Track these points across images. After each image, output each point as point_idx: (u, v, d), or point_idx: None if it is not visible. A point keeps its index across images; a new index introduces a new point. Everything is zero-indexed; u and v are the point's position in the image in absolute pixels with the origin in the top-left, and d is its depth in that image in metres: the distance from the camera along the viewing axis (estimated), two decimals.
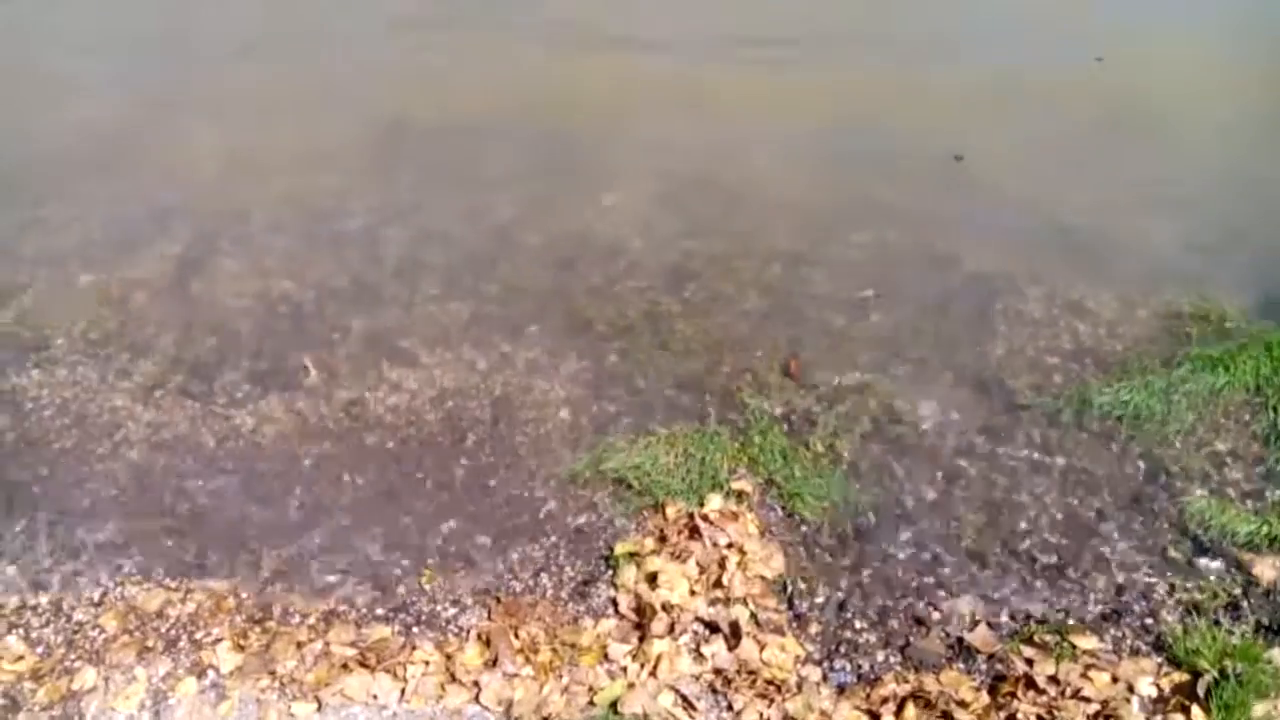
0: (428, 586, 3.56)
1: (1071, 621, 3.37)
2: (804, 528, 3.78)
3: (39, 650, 3.38)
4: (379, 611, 3.48)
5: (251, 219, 5.81)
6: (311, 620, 3.43)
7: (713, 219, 5.76)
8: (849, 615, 3.44)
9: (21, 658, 3.34)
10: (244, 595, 3.54)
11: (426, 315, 5.06)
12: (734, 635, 3.27)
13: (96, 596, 3.58)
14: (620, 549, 3.66)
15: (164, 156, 6.47)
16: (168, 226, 5.76)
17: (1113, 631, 3.36)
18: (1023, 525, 3.79)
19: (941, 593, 3.52)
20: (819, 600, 3.50)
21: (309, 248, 5.56)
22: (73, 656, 3.35)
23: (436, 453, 4.24)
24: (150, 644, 3.36)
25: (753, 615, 3.37)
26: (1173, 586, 3.51)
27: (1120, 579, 3.56)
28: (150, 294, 5.24)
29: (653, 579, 3.49)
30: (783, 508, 3.85)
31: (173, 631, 3.41)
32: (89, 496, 4.03)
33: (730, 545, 3.61)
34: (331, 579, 3.61)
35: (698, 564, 3.53)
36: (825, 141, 6.45)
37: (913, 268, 5.34)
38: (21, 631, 3.45)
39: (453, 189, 6.10)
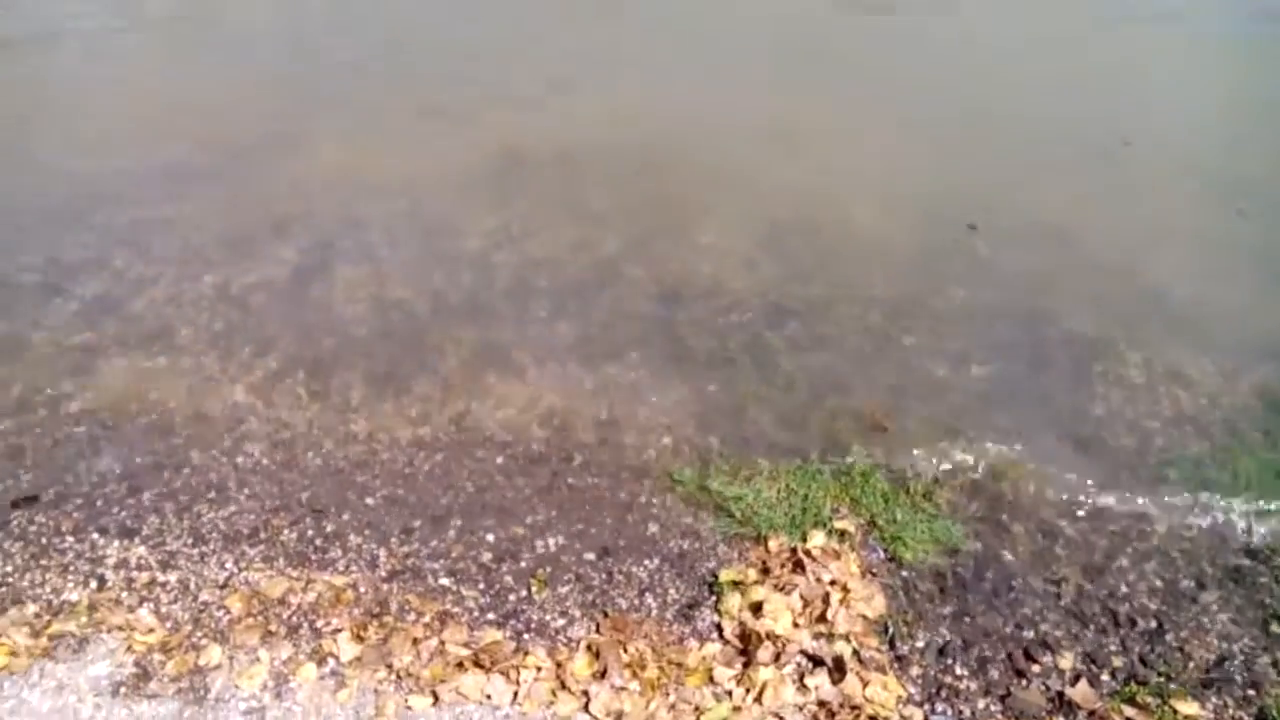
0: (537, 596, 3.68)
1: (1174, 686, 3.39)
2: (904, 572, 3.84)
3: (168, 625, 3.54)
4: (490, 616, 3.59)
5: (369, 231, 6.03)
6: (427, 618, 3.55)
7: (813, 263, 5.86)
8: (950, 661, 3.49)
9: (152, 630, 3.50)
10: (362, 590, 3.68)
11: (535, 336, 5.21)
12: (838, 669, 3.33)
13: (221, 579, 3.74)
14: (725, 576, 3.75)
15: (287, 166, 6.73)
16: (288, 233, 6.00)
17: (1214, 700, 3.36)
18: (1123, 588, 3.82)
19: (1042, 647, 3.55)
20: (919, 644, 3.55)
21: (425, 263, 5.75)
22: (199, 634, 3.50)
23: (543, 468, 4.37)
24: (273, 628, 3.51)
25: (855, 652, 3.43)
26: (1275, 660, 3.52)
27: (1221, 648, 3.57)
28: (269, 295, 5.46)
29: (757, 608, 3.57)
30: (884, 550, 3.91)
31: (294, 618, 3.55)
32: (213, 484, 4.22)
33: (833, 582, 3.68)
34: (445, 581, 3.74)
35: (802, 597, 3.60)
36: (925, 194, 6.53)
37: (1011, 324, 5.39)
38: (152, 605, 3.62)
39: (561, 219, 6.28)
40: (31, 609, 3.61)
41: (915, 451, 4.46)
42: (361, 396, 4.76)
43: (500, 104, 7.74)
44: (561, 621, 3.58)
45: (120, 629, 3.51)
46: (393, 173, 6.73)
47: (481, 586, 3.73)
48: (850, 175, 6.69)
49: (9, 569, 3.80)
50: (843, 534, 3.92)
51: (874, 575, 3.80)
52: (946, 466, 4.39)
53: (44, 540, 3.95)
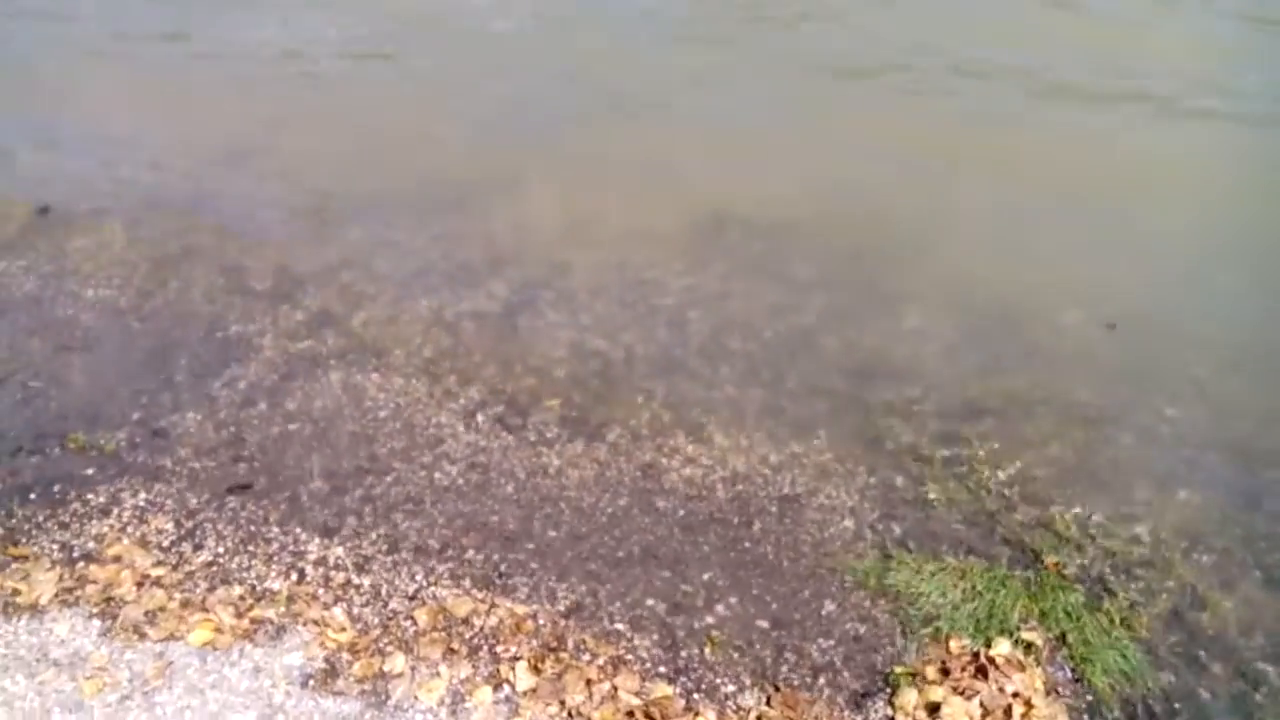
0: (710, 656, 3.68)
1: None
2: (1090, 695, 3.66)
3: (358, 626, 3.71)
4: (661, 669, 3.62)
5: (574, 278, 6.23)
6: (600, 661, 3.60)
7: (1015, 360, 5.70)
8: None
9: (344, 629, 3.68)
10: (541, 622, 3.77)
11: (725, 398, 5.26)
12: None
13: (411, 590, 3.90)
14: (900, 669, 3.66)
15: (506, 205, 7.04)
16: (499, 270, 6.27)
17: None
18: None
19: None
20: None
21: (624, 313, 5.90)
22: (386, 640, 3.66)
23: (723, 531, 4.39)
24: (455, 646, 3.63)
25: None
26: None
27: None
28: (478, 327, 5.71)
29: (934, 709, 3.47)
30: (1072, 670, 3.74)
31: (476, 640, 3.67)
32: (410, 496, 4.43)
33: (1016, 695, 3.54)
34: (620, 627, 3.79)
35: (982, 705, 3.48)
36: (1136, 304, 6.26)
37: (1223, 454, 5.09)
38: (345, 606, 3.81)
39: (760, 284, 6.33)
40: (237, 590, 3.86)
41: (1110, 572, 4.25)
42: (555, 434, 4.90)
43: (709, 165, 7.87)
44: (732, 687, 3.57)
45: (315, 624, 3.71)
46: (601, 222, 6.94)
47: (655, 638, 3.76)
48: (1060, 273, 6.48)
49: (221, 550, 4.08)
50: (1029, 646, 3.77)
51: (1059, 694, 3.63)
52: (1144, 591, 4.17)
53: (253, 527, 4.23)
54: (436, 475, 4.57)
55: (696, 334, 5.80)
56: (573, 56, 9.67)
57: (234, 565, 4.01)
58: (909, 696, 3.53)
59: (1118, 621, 3.98)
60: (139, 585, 3.84)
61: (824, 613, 3.97)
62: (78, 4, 11.11)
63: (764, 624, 3.88)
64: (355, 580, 3.94)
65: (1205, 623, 4.07)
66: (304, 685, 3.46)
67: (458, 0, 11.03)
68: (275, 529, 4.23)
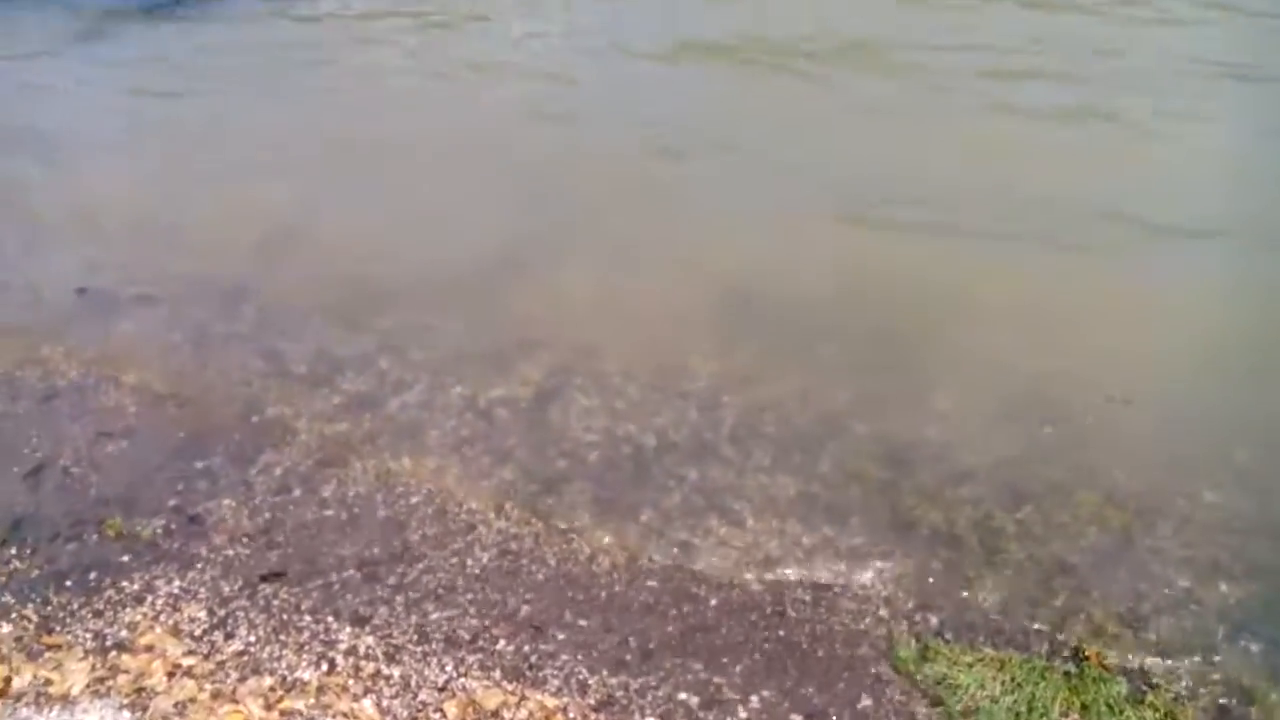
0: None
1: None
2: None
3: (387, 719, 3.68)
4: None
5: (606, 362, 6.25)
6: None
7: (1048, 444, 5.63)
8: None
9: None
10: (572, 715, 3.72)
11: (757, 483, 5.23)
12: None
13: (440, 682, 3.87)
14: None
15: (538, 288, 7.10)
16: (531, 355, 6.30)
17: None
18: None
19: None
20: None
21: (655, 398, 5.91)
22: None
23: (756, 618, 4.33)
24: None
25: None
26: None
27: None
28: (511, 412, 5.73)
29: None
30: None
31: None
32: (443, 584, 4.42)
33: None
34: None
35: None
36: (1182, 394, 6.17)
37: (1269, 543, 4.97)
38: (375, 698, 3.78)
39: (788, 369, 6.32)
40: (268, 681, 3.85)
41: (1154, 664, 4.15)
42: (586, 519, 4.90)
43: (737, 248, 7.90)
44: None
45: (344, 716, 3.68)
46: (629, 304, 6.98)
47: None
48: (1099, 361, 6.41)
49: (252, 639, 4.08)
50: None
51: None
52: (1189, 684, 4.06)
53: (285, 616, 4.23)
54: (468, 562, 4.56)
55: (727, 419, 5.79)
56: (590, 151, 9.72)
57: (265, 655, 4.00)
58: None
59: (1163, 715, 3.88)
60: (170, 675, 3.84)
61: (860, 706, 3.89)
62: (113, 89, 11.43)
63: (798, 718, 3.81)
64: (385, 670, 3.92)
65: (1254, 717, 3.95)
66: None
67: (480, 93, 11.22)
68: (307, 617, 4.23)
